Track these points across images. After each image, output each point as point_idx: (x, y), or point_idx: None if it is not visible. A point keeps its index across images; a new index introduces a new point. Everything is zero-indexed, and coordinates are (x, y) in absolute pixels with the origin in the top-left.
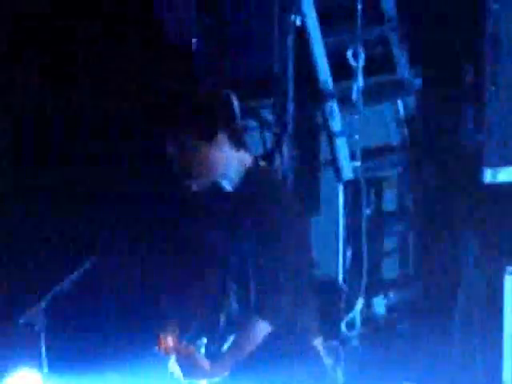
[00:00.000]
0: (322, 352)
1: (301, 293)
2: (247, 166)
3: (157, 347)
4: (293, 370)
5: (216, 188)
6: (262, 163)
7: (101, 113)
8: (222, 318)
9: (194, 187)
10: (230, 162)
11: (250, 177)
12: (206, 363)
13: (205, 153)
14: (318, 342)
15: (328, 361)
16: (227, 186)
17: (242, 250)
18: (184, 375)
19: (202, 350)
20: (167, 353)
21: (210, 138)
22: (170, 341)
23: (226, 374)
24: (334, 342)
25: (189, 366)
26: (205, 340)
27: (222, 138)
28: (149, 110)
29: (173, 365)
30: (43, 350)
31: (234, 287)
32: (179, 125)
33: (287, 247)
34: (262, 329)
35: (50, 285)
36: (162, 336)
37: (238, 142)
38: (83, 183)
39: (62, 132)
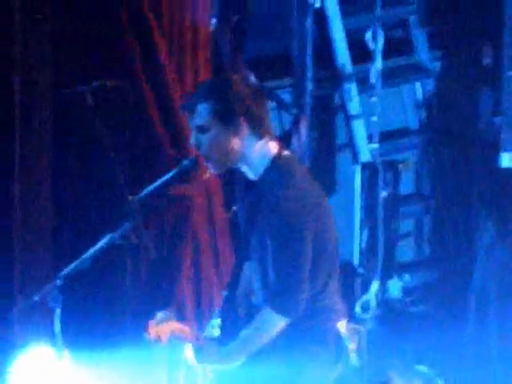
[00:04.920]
0: (345, 335)
1: (322, 278)
2: (272, 154)
3: (146, 333)
4: (311, 352)
5: (244, 175)
6: (287, 152)
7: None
8: (240, 300)
9: (211, 170)
10: (250, 150)
11: (272, 167)
12: (214, 349)
13: (222, 138)
14: (340, 325)
15: (351, 344)
16: (250, 175)
17: (262, 240)
18: (197, 360)
19: (217, 331)
20: (157, 339)
21: (227, 124)
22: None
23: (242, 359)
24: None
25: (201, 351)
26: (219, 321)
27: (241, 124)
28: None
29: (188, 350)
30: (58, 326)
31: (256, 271)
32: (197, 109)
33: (302, 241)
34: (276, 322)
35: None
36: (151, 323)
37: (260, 130)
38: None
39: None
